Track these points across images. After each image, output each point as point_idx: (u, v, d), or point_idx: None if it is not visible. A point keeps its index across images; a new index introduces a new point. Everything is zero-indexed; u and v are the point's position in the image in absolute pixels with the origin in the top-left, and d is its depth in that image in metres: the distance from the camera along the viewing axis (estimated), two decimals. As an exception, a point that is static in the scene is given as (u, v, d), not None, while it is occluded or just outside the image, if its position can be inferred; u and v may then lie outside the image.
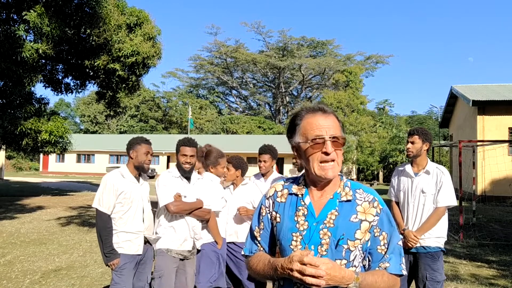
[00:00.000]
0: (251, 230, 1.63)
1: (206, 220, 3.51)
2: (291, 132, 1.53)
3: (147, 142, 3.39)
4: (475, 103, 16.80)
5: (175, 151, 3.46)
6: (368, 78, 64.95)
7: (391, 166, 36.01)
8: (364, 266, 1.47)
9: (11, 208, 12.44)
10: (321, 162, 1.42)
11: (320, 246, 1.41)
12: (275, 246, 1.58)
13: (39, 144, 12.27)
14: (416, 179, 3.37)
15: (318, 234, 1.42)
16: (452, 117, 23.71)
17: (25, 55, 9.52)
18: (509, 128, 16.96)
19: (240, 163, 3.97)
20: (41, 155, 38.00)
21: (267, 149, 4.09)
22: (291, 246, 1.45)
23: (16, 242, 7.69)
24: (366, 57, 57.44)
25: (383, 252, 1.45)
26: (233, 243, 3.87)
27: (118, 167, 3.50)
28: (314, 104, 1.52)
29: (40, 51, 9.70)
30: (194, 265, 3.49)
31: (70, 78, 13.96)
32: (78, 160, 41.22)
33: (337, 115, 1.50)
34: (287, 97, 61.64)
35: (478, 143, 13.13)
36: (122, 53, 12.20)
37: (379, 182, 36.75)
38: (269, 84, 62.65)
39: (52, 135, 11.82)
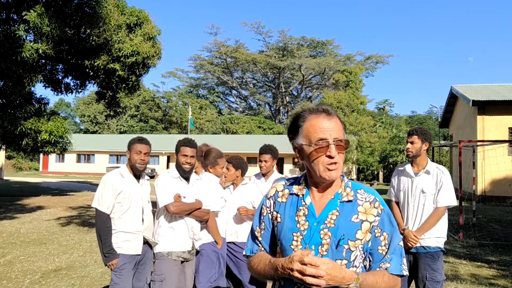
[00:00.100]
0: (252, 230, 1.64)
1: (205, 220, 3.51)
2: (293, 133, 1.51)
3: (140, 141, 3.35)
4: (475, 103, 16.80)
5: (174, 151, 3.47)
6: (368, 78, 65.05)
7: (391, 166, 36.02)
8: (365, 266, 1.47)
9: (11, 208, 12.44)
10: (325, 165, 1.41)
11: (320, 246, 1.41)
12: (276, 246, 1.59)
13: (39, 144, 12.27)
14: (416, 179, 3.38)
15: (319, 234, 1.42)
16: (452, 117, 23.71)
17: (25, 55, 9.52)
18: (509, 128, 16.97)
19: (240, 163, 3.97)
20: (41, 155, 38.01)
21: (268, 149, 4.08)
22: (291, 246, 1.45)
23: (16, 242, 7.69)
24: (366, 57, 57.50)
25: (384, 253, 1.45)
26: (233, 243, 3.87)
27: (118, 167, 3.50)
28: (317, 105, 1.50)
29: (40, 51, 9.71)
30: (193, 265, 3.50)
31: (70, 78, 13.97)
32: (78, 160, 41.23)
33: (340, 116, 1.49)
34: (287, 97, 61.65)
35: (478, 143, 13.13)
36: (122, 53, 12.20)
37: (379, 182, 36.75)
38: (269, 84, 62.67)
39: (52, 135, 11.82)
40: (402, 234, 3.32)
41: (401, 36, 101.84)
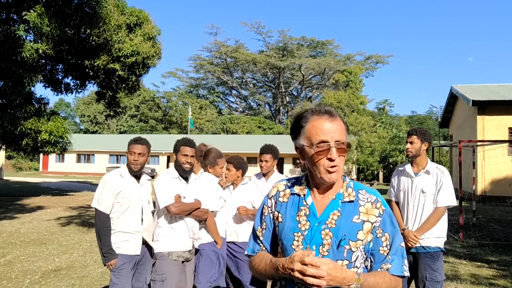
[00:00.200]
0: (254, 230, 1.64)
1: (204, 220, 3.51)
2: (295, 133, 1.50)
3: (136, 141, 3.35)
4: (475, 103, 16.80)
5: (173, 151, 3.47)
6: (368, 78, 65.08)
7: (391, 166, 36.03)
8: (366, 267, 1.47)
9: (11, 208, 12.44)
10: (326, 168, 1.41)
11: (321, 247, 1.41)
12: (277, 246, 1.59)
13: (39, 144, 12.27)
14: (416, 179, 3.38)
15: (320, 234, 1.42)
16: (452, 117, 23.71)
17: (25, 55, 9.52)
18: (509, 128, 16.97)
19: (240, 163, 3.96)
20: (41, 155, 38.02)
21: (268, 149, 4.08)
22: (292, 246, 1.45)
23: (16, 242, 7.69)
24: (366, 57, 57.52)
25: (385, 253, 1.44)
26: (233, 243, 3.87)
27: (118, 167, 3.50)
28: (320, 106, 1.47)
29: (40, 51, 9.71)
30: (192, 264, 3.50)
31: (70, 78, 13.97)
32: (78, 160, 41.23)
33: (343, 118, 1.47)
34: (287, 97, 61.65)
35: (478, 143, 13.13)
36: (122, 53, 12.20)
37: (379, 182, 36.76)
38: (269, 84, 62.67)
39: (52, 135, 11.82)
40: (402, 234, 3.31)
41: (401, 36, 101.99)
